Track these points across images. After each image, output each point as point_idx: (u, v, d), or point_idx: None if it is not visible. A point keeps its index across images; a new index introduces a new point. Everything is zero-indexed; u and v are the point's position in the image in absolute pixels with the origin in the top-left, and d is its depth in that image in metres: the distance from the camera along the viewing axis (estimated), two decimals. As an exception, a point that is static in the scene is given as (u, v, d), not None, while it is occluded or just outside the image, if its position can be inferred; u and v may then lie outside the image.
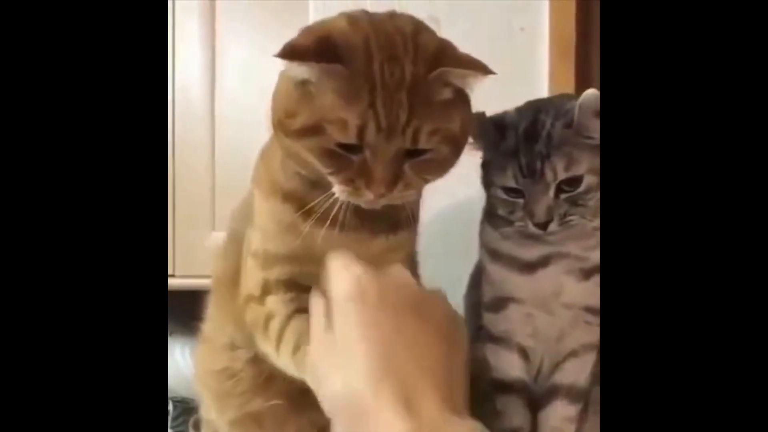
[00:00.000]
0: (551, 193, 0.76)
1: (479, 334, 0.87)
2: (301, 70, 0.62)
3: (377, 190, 0.63)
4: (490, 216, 0.85)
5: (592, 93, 0.76)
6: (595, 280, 0.80)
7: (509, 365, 0.84)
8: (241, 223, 0.77)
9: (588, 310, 0.82)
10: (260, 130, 0.75)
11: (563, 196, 0.76)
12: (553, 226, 0.76)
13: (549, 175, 0.76)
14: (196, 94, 1.59)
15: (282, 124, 0.65)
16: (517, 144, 0.78)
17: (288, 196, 0.70)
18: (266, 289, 0.72)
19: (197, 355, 0.85)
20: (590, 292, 0.81)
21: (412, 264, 0.80)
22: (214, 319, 0.82)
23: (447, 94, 0.65)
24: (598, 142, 0.76)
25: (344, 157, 0.63)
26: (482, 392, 0.87)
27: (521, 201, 0.78)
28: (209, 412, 0.83)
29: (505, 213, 0.80)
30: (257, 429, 0.78)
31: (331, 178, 0.65)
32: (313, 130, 0.62)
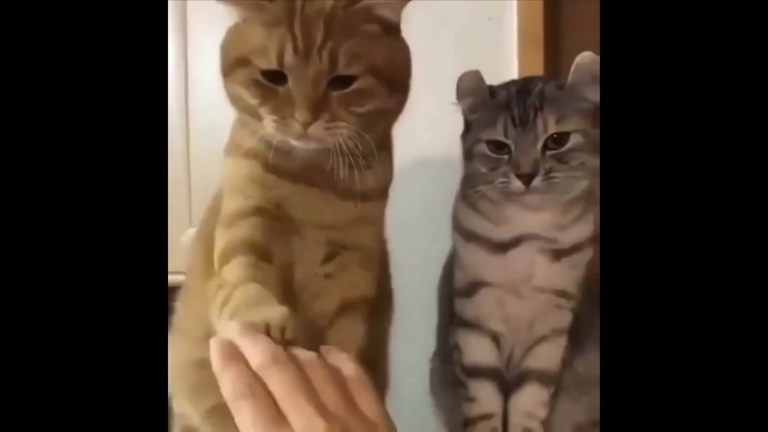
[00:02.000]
0: (539, 146, 0.77)
1: (452, 320, 0.88)
2: (235, 11, 0.67)
3: (301, 116, 0.64)
4: (465, 189, 0.85)
5: (588, 55, 0.77)
6: (567, 263, 0.82)
7: (481, 351, 0.85)
8: (212, 215, 0.77)
9: (559, 293, 0.83)
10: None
11: (549, 153, 0.77)
12: (537, 181, 0.76)
13: (540, 126, 0.77)
14: (170, 92, 1.57)
15: (222, 68, 0.68)
16: (509, 98, 0.79)
17: (248, 153, 0.71)
18: (225, 257, 0.71)
19: (172, 348, 0.84)
20: (561, 274, 0.82)
21: (382, 246, 0.81)
22: (189, 310, 0.82)
23: (372, 28, 0.67)
24: (588, 106, 0.78)
25: (270, 88, 0.66)
26: (454, 378, 0.88)
27: (506, 157, 0.78)
28: (182, 406, 0.82)
29: (486, 170, 0.80)
30: (231, 418, 0.77)
31: (261, 111, 0.66)
32: (240, 62, 0.66)
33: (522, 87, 0.81)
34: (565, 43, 1.40)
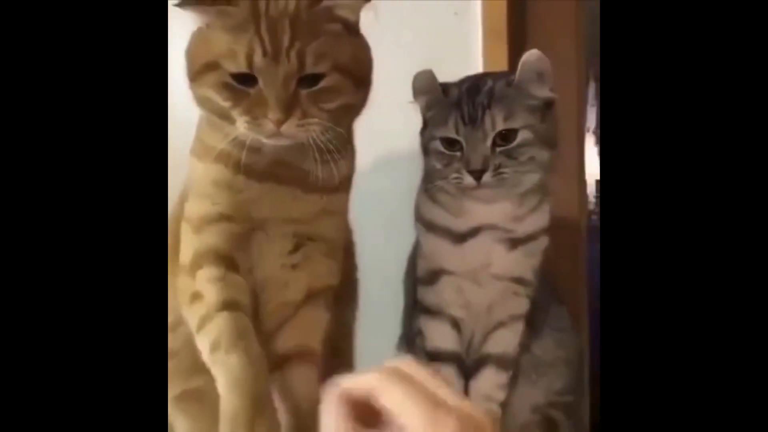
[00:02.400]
0: (488, 142, 0.81)
1: (415, 307, 0.91)
2: (198, 17, 0.68)
3: (274, 116, 0.66)
4: (426, 182, 0.89)
5: (534, 53, 0.81)
6: (523, 251, 0.85)
7: (442, 336, 0.88)
8: (179, 210, 0.79)
9: (516, 281, 0.87)
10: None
11: (498, 149, 0.81)
12: (487, 177, 0.80)
13: (488, 123, 0.80)
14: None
15: (188, 72, 0.69)
16: (459, 97, 0.83)
17: (219, 156, 0.72)
18: (196, 262, 0.74)
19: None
20: (518, 263, 0.86)
21: (347, 236, 0.85)
22: None
23: (335, 27, 0.69)
24: (536, 103, 0.82)
25: (241, 90, 0.67)
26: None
27: (458, 154, 0.82)
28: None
29: (441, 166, 0.83)
30: (197, 404, 0.80)
31: (233, 113, 0.68)
32: (209, 67, 0.67)
33: (472, 85, 0.84)
34: (530, 38, 1.43)
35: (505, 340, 0.88)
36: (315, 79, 0.68)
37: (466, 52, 1.29)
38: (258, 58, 0.65)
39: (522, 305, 0.88)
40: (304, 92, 0.67)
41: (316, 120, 0.68)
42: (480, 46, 1.29)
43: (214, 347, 0.71)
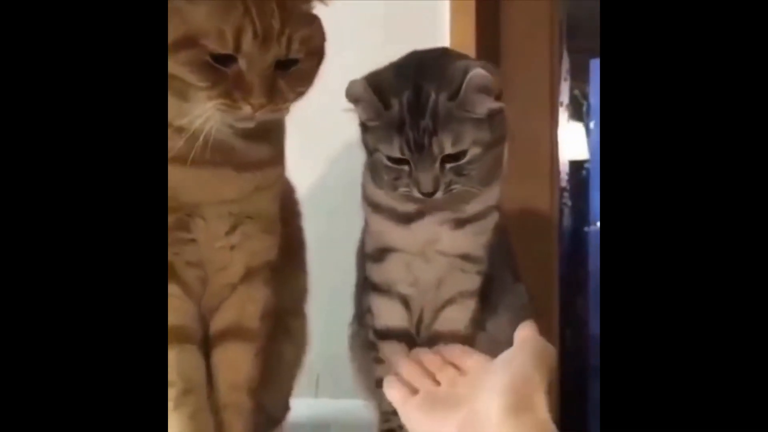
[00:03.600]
0: (437, 165, 0.77)
1: (365, 284, 0.90)
2: None
3: (257, 100, 0.64)
4: (373, 174, 0.85)
5: (478, 72, 0.76)
6: (470, 230, 0.84)
7: (391, 313, 0.87)
8: None
9: (463, 257, 0.85)
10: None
11: (448, 166, 0.78)
12: (438, 195, 0.78)
13: (436, 149, 0.77)
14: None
15: None
16: (402, 116, 0.77)
17: None
18: None
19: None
20: (465, 240, 0.84)
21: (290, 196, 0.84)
22: None
23: (308, 9, 0.69)
24: (479, 116, 0.77)
25: (218, 70, 0.64)
26: (367, 340, 0.90)
27: (407, 168, 0.78)
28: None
29: (390, 179, 0.80)
30: None
31: (207, 94, 0.65)
32: (185, 43, 0.63)
33: (414, 100, 0.77)
34: (501, 8, 1.41)
35: (456, 318, 0.87)
36: (289, 63, 0.67)
37: (432, 28, 1.26)
38: (247, 41, 0.63)
39: (472, 282, 0.86)
40: (280, 76, 0.66)
41: (287, 104, 0.68)
42: (447, 21, 1.26)
43: (169, 384, 0.71)
